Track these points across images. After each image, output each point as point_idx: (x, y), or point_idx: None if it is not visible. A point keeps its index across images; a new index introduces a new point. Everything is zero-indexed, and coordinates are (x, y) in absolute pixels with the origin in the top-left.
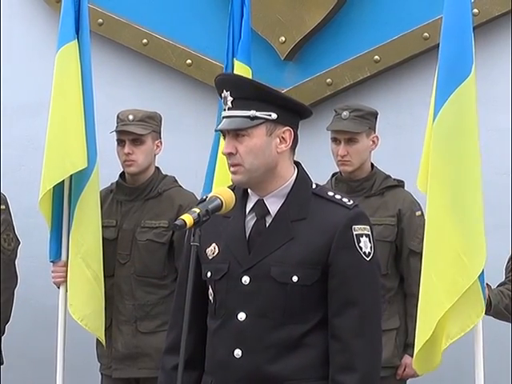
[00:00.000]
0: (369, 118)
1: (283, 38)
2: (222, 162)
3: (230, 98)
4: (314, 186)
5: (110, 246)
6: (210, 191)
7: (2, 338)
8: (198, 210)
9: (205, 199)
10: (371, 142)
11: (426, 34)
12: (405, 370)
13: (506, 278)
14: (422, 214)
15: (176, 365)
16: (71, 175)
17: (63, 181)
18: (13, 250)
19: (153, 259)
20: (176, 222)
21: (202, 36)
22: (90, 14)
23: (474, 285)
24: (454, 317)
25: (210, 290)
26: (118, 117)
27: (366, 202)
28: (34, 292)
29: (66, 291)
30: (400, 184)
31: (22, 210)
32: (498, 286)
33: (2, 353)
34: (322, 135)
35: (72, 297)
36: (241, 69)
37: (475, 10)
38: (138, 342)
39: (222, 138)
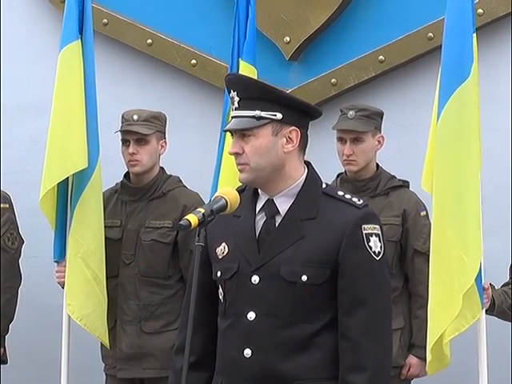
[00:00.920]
0: (375, 118)
1: (288, 38)
2: (227, 162)
3: (236, 98)
4: (323, 186)
5: (114, 246)
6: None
7: (6, 337)
8: (202, 210)
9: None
10: (377, 142)
11: (430, 34)
12: (409, 369)
13: (510, 277)
14: (427, 214)
15: None
16: (74, 175)
17: (67, 181)
18: (16, 248)
19: (157, 259)
20: (181, 222)
21: (207, 36)
22: (95, 14)
23: (471, 285)
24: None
25: (220, 290)
26: (122, 117)
27: (370, 202)
28: (38, 292)
29: None
30: (405, 184)
31: (26, 210)
32: (501, 286)
33: (7, 352)
34: (327, 135)
35: (71, 296)
36: (246, 69)
37: (480, 11)
38: (142, 342)
39: (227, 139)
